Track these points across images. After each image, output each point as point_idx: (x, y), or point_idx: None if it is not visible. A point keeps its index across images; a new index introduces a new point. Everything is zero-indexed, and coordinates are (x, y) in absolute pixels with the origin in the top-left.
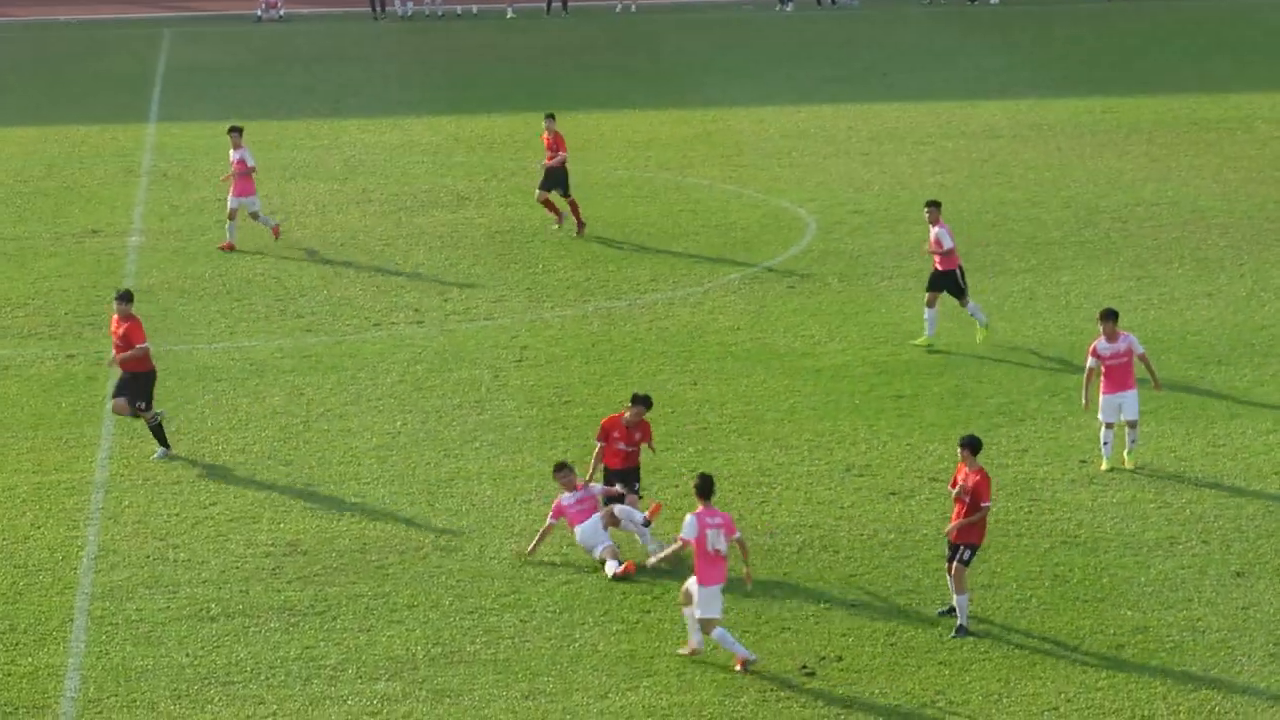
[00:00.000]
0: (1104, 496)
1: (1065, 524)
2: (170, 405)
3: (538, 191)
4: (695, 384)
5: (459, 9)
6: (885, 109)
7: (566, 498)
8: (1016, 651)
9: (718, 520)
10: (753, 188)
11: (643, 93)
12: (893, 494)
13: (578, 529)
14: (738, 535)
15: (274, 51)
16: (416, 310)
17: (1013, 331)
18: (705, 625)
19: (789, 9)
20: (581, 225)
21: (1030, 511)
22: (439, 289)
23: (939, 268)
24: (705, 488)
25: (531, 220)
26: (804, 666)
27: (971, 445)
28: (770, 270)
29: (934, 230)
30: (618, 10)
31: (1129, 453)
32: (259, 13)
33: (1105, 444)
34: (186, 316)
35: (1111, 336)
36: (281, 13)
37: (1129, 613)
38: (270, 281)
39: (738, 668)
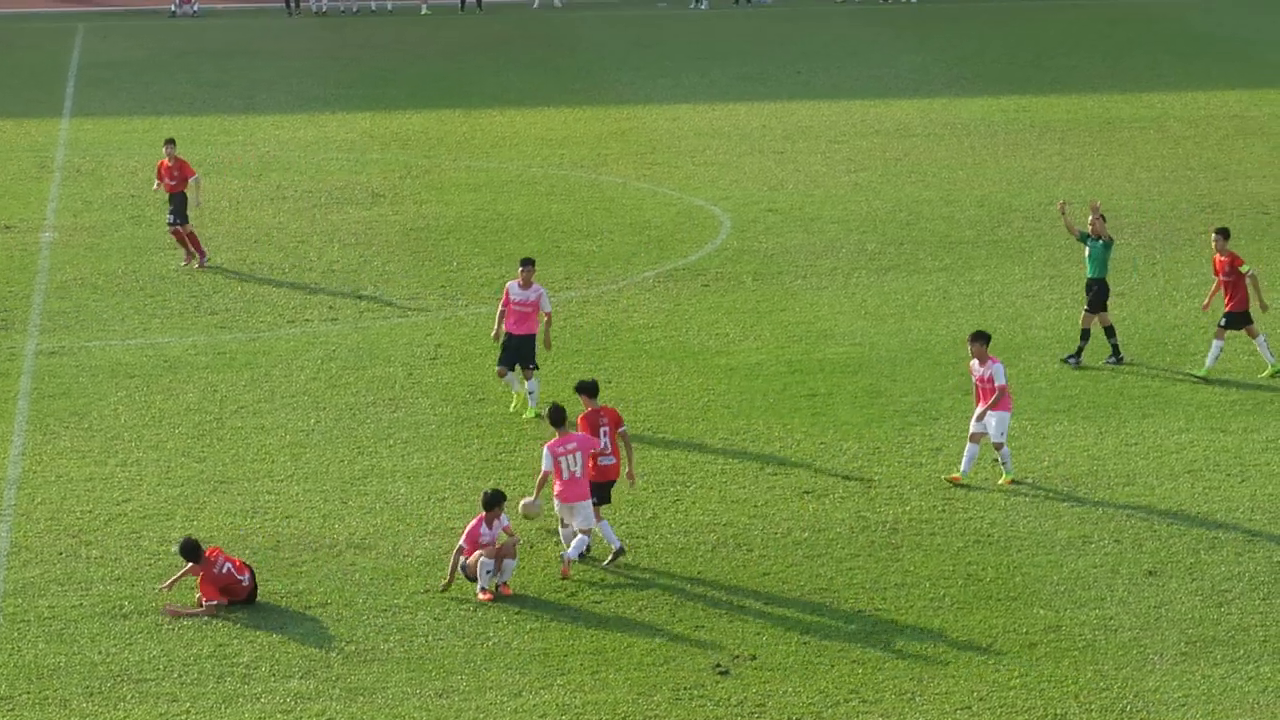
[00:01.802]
0: (1017, 495)
1: (979, 523)
2: (83, 402)
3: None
4: (610, 382)
5: (373, 4)
6: (799, 107)
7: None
8: (930, 650)
9: (571, 445)
10: (667, 185)
11: (557, 90)
12: (807, 492)
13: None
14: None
15: (188, 46)
16: (331, 307)
17: (926, 330)
18: (585, 531)
19: (704, 6)
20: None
21: (944, 510)
22: (353, 286)
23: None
24: (556, 417)
25: (446, 218)
26: (718, 665)
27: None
28: (684, 268)
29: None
30: (535, 6)
31: (1004, 474)
32: (173, 8)
33: (969, 458)
34: (100, 313)
35: (981, 359)
36: (196, 8)
37: (1042, 611)
38: (184, 278)
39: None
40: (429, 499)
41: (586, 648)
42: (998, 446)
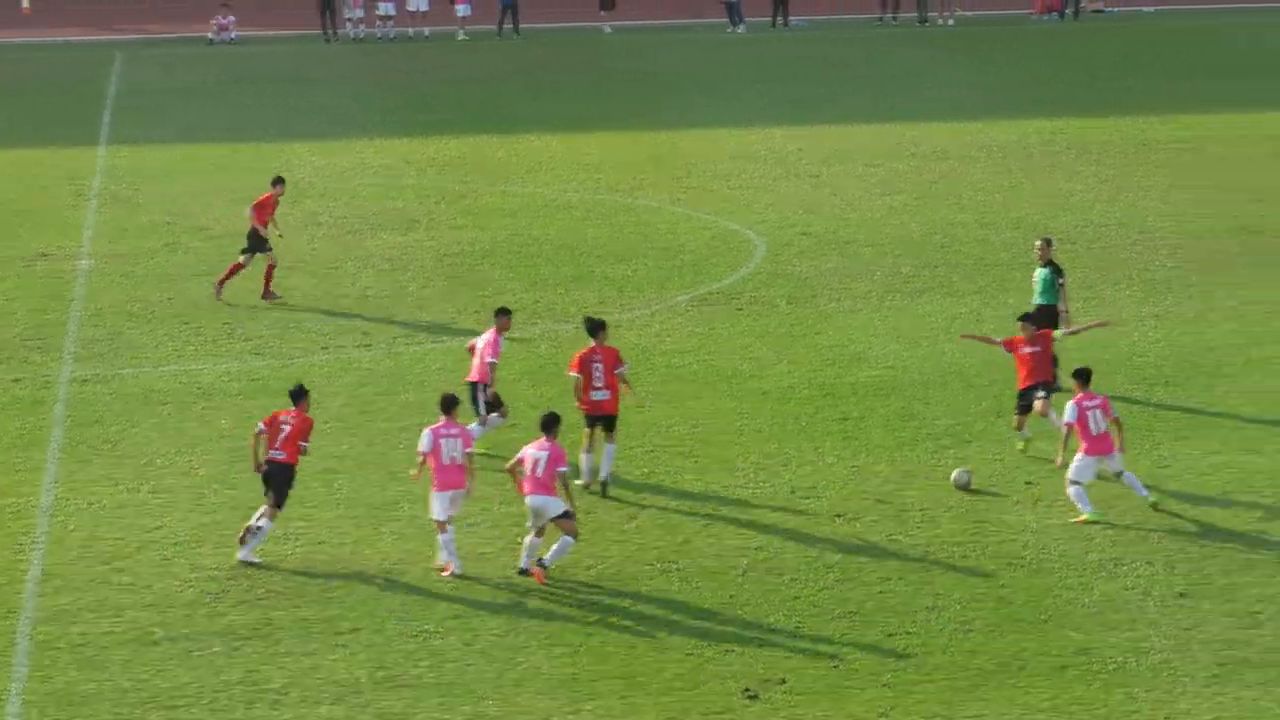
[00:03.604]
0: (1049, 518)
1: (1010, 545)
2: (116, 429)
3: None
4: (643, 406)
5: (410, 31)
6: (835, 131)
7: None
8: (960, 673)
9: (454, 431)
10: (702, 210)
11: (593, 114)
12: (838, 516)
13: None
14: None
15: (225, 74)
16: (364, 333)
17: (960, 353)
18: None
19: (740, 30)
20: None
21: (975, 533)
22: (387, 312)
23: None
24: (446, 405)
25: (481, 243)
26: (747, 689)
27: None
28: (718, 292)
29: None
30: (607, 31)
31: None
32: (211, 35)
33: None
34: (134, 340)
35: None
36: (234, 35)
37: (1073, 634)
38: (218, 305)
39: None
40: (460, 524)
41: (616, 672)
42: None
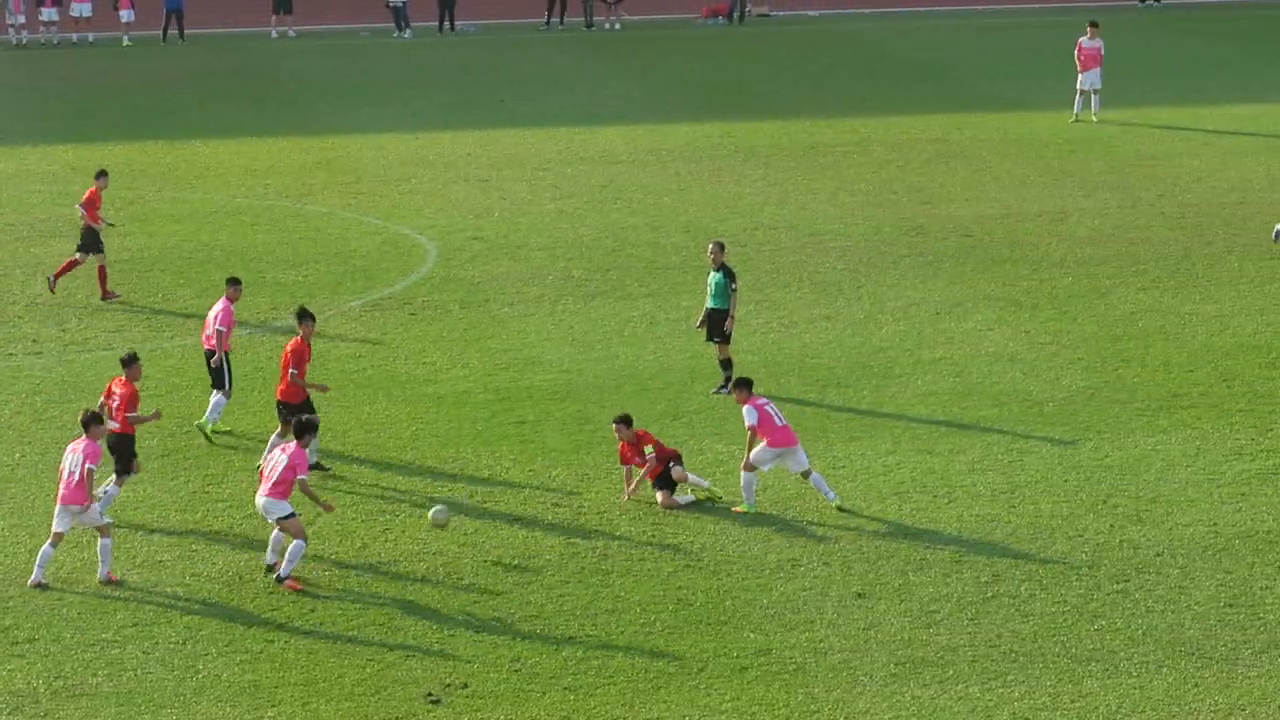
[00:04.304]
0: (726, 519)
1: (688, 547)
2: None
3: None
4: (317, 412)
5: (74, 37)
6: (504, 135)
7: None
8: (641, 675)
9: (79, 447)
10: (372, 215)
11: (261, 120)
12: (516, 520)
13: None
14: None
15: None
16: (35, 341)
17: (633, 356)
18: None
19: (407, 35)
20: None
21: (654, 536)
22: (57, 319)
23: None
24: (84, 422)
25: (150, 249)
26: (429, 694)
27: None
28: (391, 297)
29: None
30: (274, 36)
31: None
32: None
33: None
34: None
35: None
36: None
37: (752, 635)
38: None
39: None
40: (136, 532)
41: (297, 679)
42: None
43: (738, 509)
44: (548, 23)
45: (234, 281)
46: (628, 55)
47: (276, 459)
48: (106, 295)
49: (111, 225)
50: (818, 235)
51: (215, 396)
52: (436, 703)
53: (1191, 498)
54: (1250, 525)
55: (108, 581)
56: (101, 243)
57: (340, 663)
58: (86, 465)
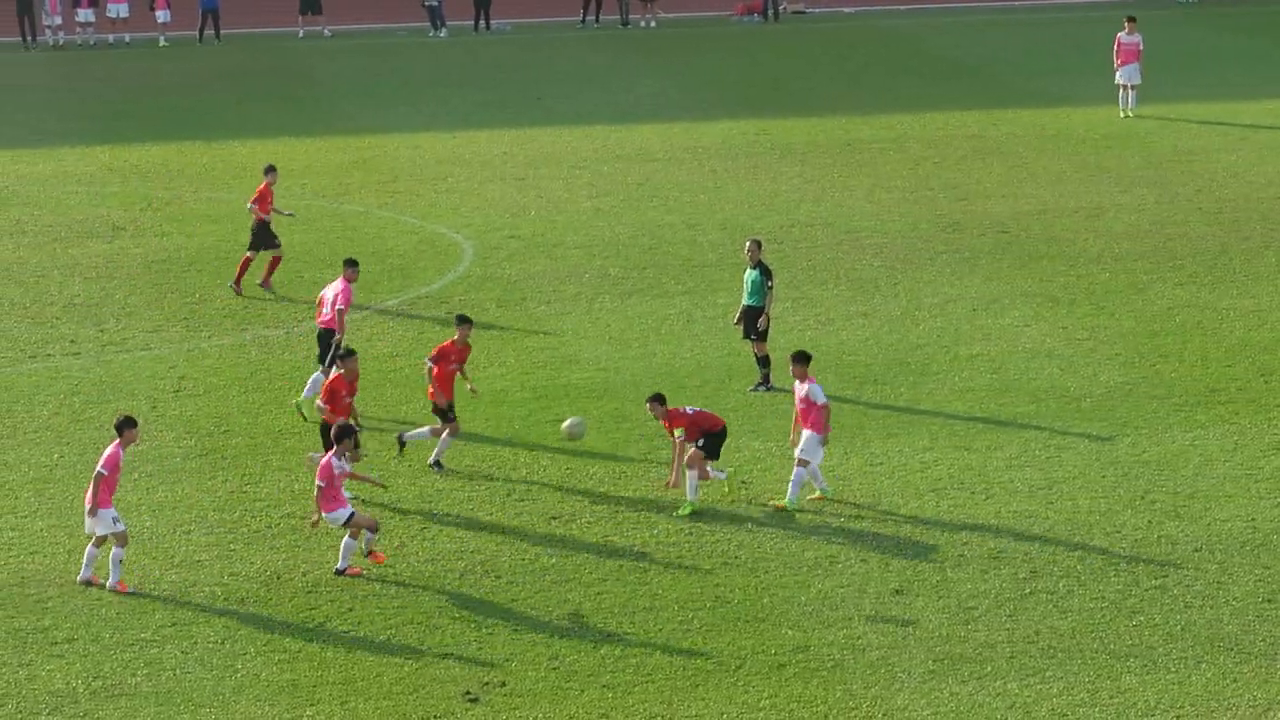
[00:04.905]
0: (764, 517)
1: (726, 545)
2: None
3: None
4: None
5: (110, 38)
6: (540, 133)
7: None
8: (679, 673)
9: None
10: (409, 214)
11: (298, 120)
12: (554, 518)
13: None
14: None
15: None
16: (73, 342)
17: (670, 354)
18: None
19: (443, 34)
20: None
21: (691, 534)
22: (95, 320)
23: None
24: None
25: (188, 250)
26: (467, 692)
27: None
28: (427, 296)
29: None
30: (301, 36)
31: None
32: None
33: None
34: None
35: (801, 379)
36: None
37: (790, 632)
38: None
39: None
40: (173, 532)
41: (335, 678)
42: (803, 464)
43: (777, 503)
44: (583, 21)
45: (352, 263)
46: (663, 53)
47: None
48: (264, 283)
49: (291, 215)
50: (854, 232)
51: (316, 374)
52: (475, 701)
53: (1229, 493)
54: None
55: (115, 590)
56: (275, 236)
57: (379, 661)
58: (97, 469)
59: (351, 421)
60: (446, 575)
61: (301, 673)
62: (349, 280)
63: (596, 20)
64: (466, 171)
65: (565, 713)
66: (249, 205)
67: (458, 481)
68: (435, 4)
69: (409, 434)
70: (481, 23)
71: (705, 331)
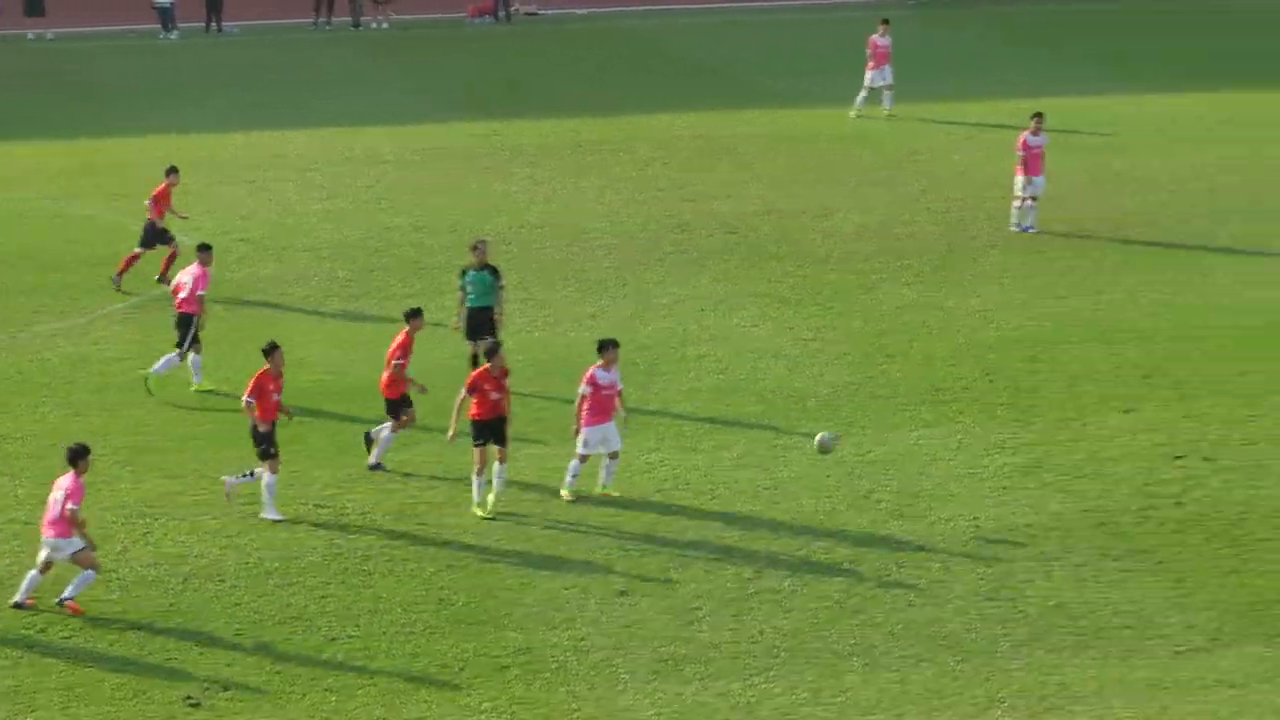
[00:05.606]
0: (489, 518)
1: (452, 547)
2: None
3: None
4: (78, 415)
5: None
6: (272, 136)
7: None
8: (401, 676)
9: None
10: (138, 218)
11: (21, 122)
12: (278, 521)
13: None
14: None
15: None
16: None
17: None
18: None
19: (173, 37)
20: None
21: (416, 536)
22: None
23: None
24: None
25: None
26: (189, 697)
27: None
28: (156, 299)
29: None
30: (30, 38)
31: (607, 484)
32: None
33: (573, 475)
34: None
35: (609, 365)
36: None
37: (514, 634)
38: None
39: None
40: None
41: (56, 684)
42: (614, 455)
43: (604, 492)
44: (315, 23)
45: (205, 247)
46: (397, 54)
47: (55, 497)
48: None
49: (185, 218)
50: (583, 233)
51: (171, 354)
52: (196, 705)
53: (952, 492)
54: (1010, 519)
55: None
56: (168, 232)
57: (100, 667)
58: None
59: (282, 417)
60: (169, 580)
61: (23, 678)
62: (204, 265)
63: (329, 22)
64: (196, 174)
65: (287, 716)
66: (146, 203)
67: (182, 485)
68: (166, 5)
69: (376, 430)
70: (213, 24)
71: (430, 334)
